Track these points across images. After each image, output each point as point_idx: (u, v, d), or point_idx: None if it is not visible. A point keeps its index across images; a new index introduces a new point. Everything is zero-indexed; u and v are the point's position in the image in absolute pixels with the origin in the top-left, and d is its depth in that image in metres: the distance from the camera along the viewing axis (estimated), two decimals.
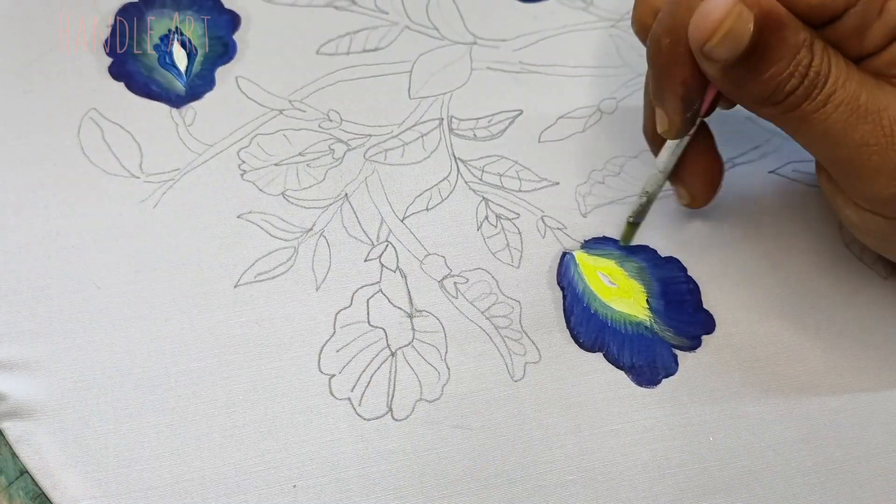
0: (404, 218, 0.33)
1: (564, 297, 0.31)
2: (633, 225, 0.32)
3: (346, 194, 0.33)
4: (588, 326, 0.31)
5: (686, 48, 0.26)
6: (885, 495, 0.28)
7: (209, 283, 0.31)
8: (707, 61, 0.26)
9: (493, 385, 0.30)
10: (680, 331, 0.31)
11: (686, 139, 0.30)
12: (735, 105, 0.31)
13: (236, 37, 0.37)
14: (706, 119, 0.30)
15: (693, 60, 0.27)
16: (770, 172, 0.35)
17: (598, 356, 0.30)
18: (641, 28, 0.30)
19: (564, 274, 0.32)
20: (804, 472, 0.29)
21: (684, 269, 0.32)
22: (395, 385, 0.29)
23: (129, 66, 0.36)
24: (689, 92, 0.28)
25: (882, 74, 0.26)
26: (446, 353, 0.30)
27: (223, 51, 0.36)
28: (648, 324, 0.31)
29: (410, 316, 0.31)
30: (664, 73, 0.28)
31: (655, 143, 0.31)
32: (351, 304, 0.31)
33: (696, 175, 0.31)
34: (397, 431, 0.29)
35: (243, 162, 0.34)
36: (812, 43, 0.25)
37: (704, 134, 0.31)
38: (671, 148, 0.30)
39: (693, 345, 0.31)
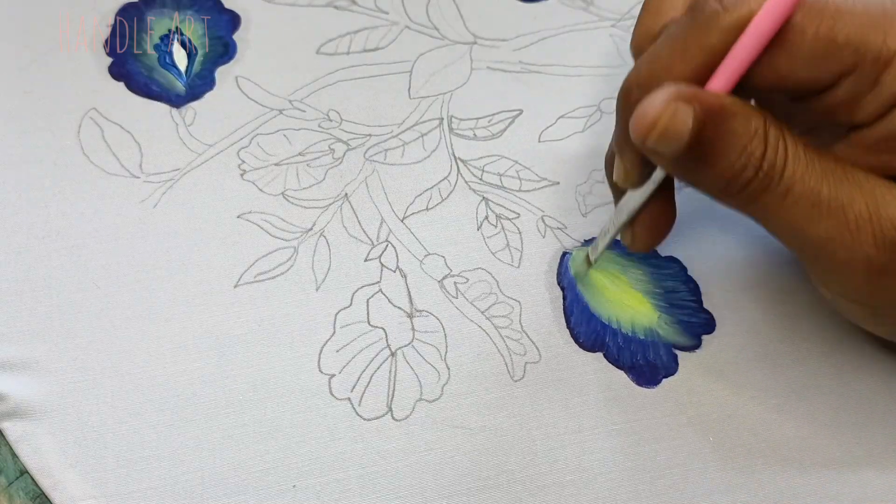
0: (404, 218, 0.33)
1: (564, 297, 0.31)
2: (589, 263, 0.31)
3: (346, 194, 0.33)
4: (588, 326, 0.31)
5: None
6: (885, 496, 0.28)
7: (209, 283, 0.31)
8: (653, 155, 0.25)
9: (493, 385, 0.30)
10: (680, 330, 0.31)
11: (648, 190, 0.28)
12: None
13: (236, 37, 0.37)
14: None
15: None
16: None
17: (598, 356, 0.30)
18: (638, 54, 0.29)
19: (564, 274, 0.32)
20: (804, 472, 0.29)
21: (684, 269, 0.32)
22: (394, 385, 0.29)
23: (129, 66, 0.36)
24: None
25: (871, 149, 0.25)
26: (446, 353, 0.30)
27: (223, 51, 0.36)
28: (648, 324, 0.31)
29: (410, 316, 0.31)
30: (625, 123, 0.26)
31: (616, 190, 0.30)
32: (351, 303, 0.31)
33: (643, 220, 0.29)
34: (397, 431, 0.29)
35: (243, 162, 0.34)
36: (766, 132, 0.24)
37: (665, 184, 0.29)
38: (634, 196, 0.28)
39: (693, 345, 0.31)
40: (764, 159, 0.24)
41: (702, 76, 0.24)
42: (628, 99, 0.26)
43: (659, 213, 0.29)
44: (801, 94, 0.25)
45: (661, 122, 0.24)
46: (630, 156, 0.27)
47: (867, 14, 0.24)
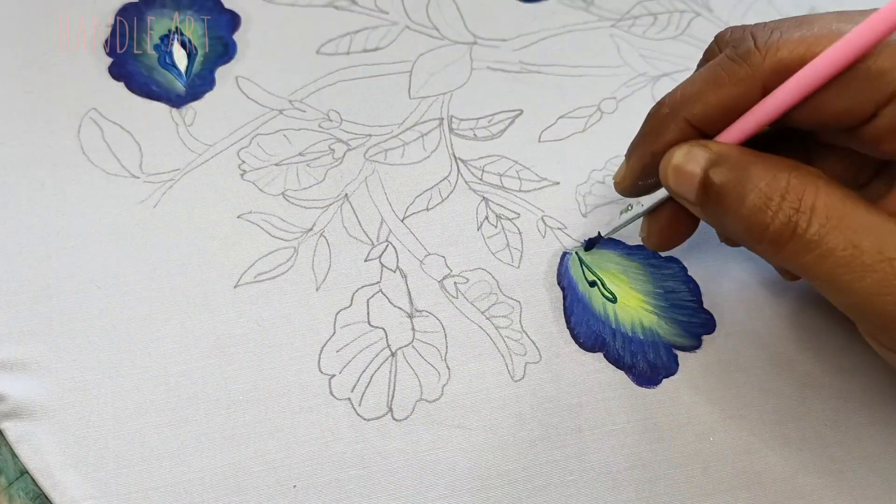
0: (404, 218, 0.33)
1: (564, 297, 0.31)
2: (599, 236, 0.32)
3: (347, 194, 0.33)
4: (588, 326, 0.31)
5: (675, 124, 0.27)
6: (885, 495, 0.28)
7: (209, 283, 0.31)
8: (680, 199, 0.27)
9: (493, 385, 0.30)
10: (680, 331, 0.31)
11: (657, 198, 0.29)
12: None
13: (236, 37, 0.37)
14: None
15: (668, 145, 0.27)
16: None
17: (598, 356, 0.30)
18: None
19: (565, 274, 0.32)
20: (804, 472, 0.29)
21: (684, 269, 0.32)
22: (395, 385, 0.29)
23: (129, 66, 0.36)
24: (652, 164, 0.27)
25: None
26: (446, 353, 0.30)
27: (223, 51, 0.36)
28: (648, 324, 0.31)
29: (410, 316, 0.31)
30: (644, 134, 0.28)
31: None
32: (351, 304, 0.31)
33: (661, 219, 0.29)
34: (397, 431, 0.29)
35: (243, 162, 0.34)
36: (789, 178, 0.24)
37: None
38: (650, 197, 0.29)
39: (693, 345, 0.31)
40: (784, 200, 0.24)
41: (730, 109, 0.26)
42: (657, 112, 0.27)
43: (674, 222, 0.29)
44: (839, 126, 0.25)
45: (675, 160, 0.26)
46: (634, 161, 0.28)
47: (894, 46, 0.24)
